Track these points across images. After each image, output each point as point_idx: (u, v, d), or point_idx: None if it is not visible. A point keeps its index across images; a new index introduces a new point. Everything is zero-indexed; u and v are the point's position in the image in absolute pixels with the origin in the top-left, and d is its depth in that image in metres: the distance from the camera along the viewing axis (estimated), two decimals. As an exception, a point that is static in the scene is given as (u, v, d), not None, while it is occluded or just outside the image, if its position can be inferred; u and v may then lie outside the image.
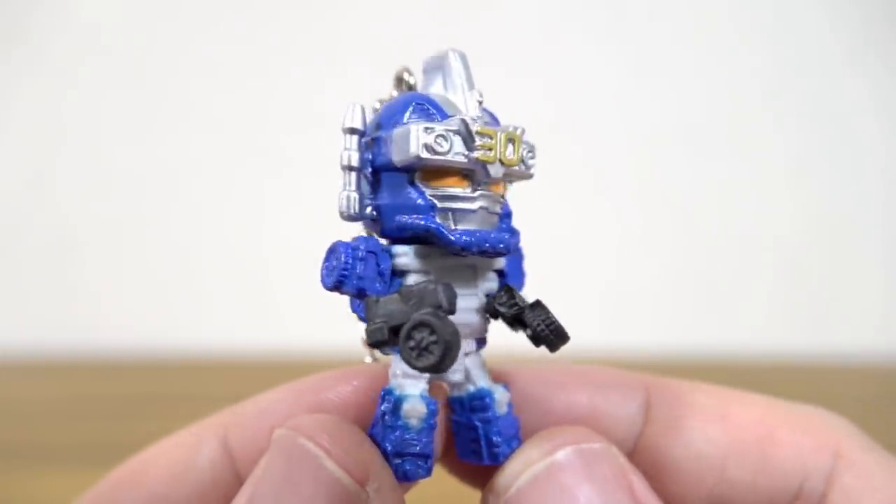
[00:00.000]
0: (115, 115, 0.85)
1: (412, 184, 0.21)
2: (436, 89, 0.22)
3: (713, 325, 0.85)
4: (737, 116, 0.86)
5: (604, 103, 0.85)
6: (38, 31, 0.84)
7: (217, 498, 0.25)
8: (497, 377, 0.24)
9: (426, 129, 0.21)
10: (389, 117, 0.22)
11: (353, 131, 0.22)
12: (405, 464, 0.21)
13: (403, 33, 0.84)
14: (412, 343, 0.20)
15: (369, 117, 0.23)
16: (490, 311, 0.22)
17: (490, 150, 0.21)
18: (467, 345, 0.22)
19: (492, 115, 0.23)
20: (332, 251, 0.22)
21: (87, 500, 0.25)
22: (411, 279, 0.22)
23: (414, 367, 0.19)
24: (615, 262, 0.86)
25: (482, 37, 0.84)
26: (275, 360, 0.76)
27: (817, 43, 0.86)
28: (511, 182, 0.22)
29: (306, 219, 0.84)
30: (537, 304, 0.22)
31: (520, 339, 0.23)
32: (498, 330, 0.24)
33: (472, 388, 0.23)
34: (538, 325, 0.21)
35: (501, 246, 0.21)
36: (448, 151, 0.21)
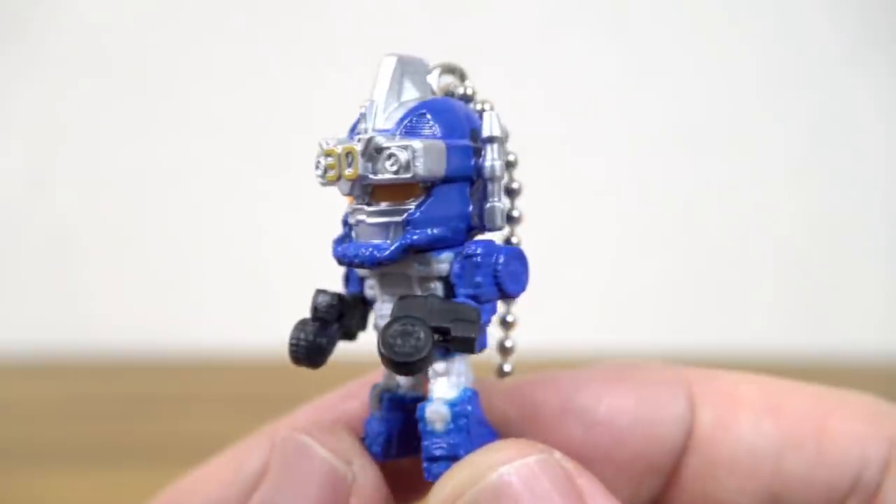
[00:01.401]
0: (115, 115, 0.85)
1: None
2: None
3: (713, 325, 0.85)
4: (737, 116, 0.86)
5: (604, 103, 0.85)
6: (38, 31, 0.84)
7: None
8: (521, 390, 0.24)
9: (315, 154, 0.22)
10: None
11: None
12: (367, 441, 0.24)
13: (404, 34, 0.84)
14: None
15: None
16: None
17: (332, 168, 0.21)
18: None
19: (402, 119, 0.21)
20: None
21: None
22: (366, 285, 0.24)
23: None
24: (615, 262, 0.86)
25: (482, 37, 0.84)
26: (275, 360, 0.76)
27: (817, 43, 0.86)
28: (424, 184, 0.21)
29: (306, 219, 0.84)
30: (386, 326, 0.20)
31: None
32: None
33: (415, 396, 0.23)
34: (378, 345, 0.21)
35: (357, 260, 0.21)
36: (322, 175, 0.22)
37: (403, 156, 0.20)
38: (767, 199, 0.87)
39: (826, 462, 0.23)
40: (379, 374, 0.25)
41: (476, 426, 0.22)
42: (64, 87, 0.85)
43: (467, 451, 0.21)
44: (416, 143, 0.20)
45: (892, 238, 0.87)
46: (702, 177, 0.86)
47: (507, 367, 0.24)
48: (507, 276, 0.22)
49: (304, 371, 0.26)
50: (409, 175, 0.21)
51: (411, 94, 0.22)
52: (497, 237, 0.23)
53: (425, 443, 0.21)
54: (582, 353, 0.78)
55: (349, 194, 0.21)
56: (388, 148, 0.21)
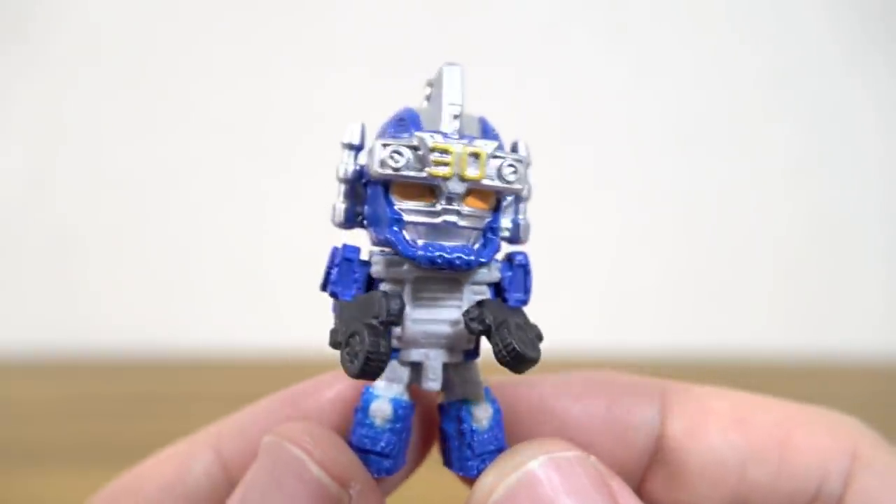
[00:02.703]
0: (115, 115, 0.85)
1: (386, 196, 0.22)
2: (434, 102, 0.23)
3: (713, 325, 0.85)
4: (737, 116, 0.86)
5: (604, 103, 0.86)
6: (38, 31, 0.84)
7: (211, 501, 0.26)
8: (502, 389, 0.25)
9: (384, 144, 0.21)
10: (381, 132, 0.23)
11: (349, 146, 0.23)
12: (367, 459, 0.22)
13: (404, 34, 0.84)
14: (347, 350, 0.21)
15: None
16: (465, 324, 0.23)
17: (446, 165, 0.21)
18: (446, 356, 0.23)
19: (485, 128, 0.23)
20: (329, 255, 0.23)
21: None
22: (384, 287, 0.23)
23: (347, 373, 0.21)
24: (615, 262, 0.86)
25: (483, 37, 0.84)
26: (275, 360, 0.76)
27: (817, 43, 0.86)
28: (504, 196, 0.23)
29: (306, 219, 0.84)
30: (502, 324, 0.21)
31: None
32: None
33: (454, 399, 0.23)
34: (497, 347, 0.21)
35: (457, 262, 0.21)
36: (402, 167, 0.21)
37: (521, 169, 0.22)
38: (767, 199, 0.87)
39: (789, 473, 0.24)
40: (337, 374, 0.25)
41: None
42: (64, 87, 0.85)
43: (504, 443, 0.23)
44: (525, 159, 0.23)
45: (891, 238, 0.87)
46: (702, 177, 0.86)
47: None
48: (532, 285, 0.24)
49: (303, 371, 0.27)
50: (519, 186, 0.22)
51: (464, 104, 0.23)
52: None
53: (473, 441, 0.23)
54: (582, 354, 0.78)
55: (453, 194, 0.22)
56: (505, 159, 0.22)
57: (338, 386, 0.25)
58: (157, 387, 0.73)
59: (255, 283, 0.85)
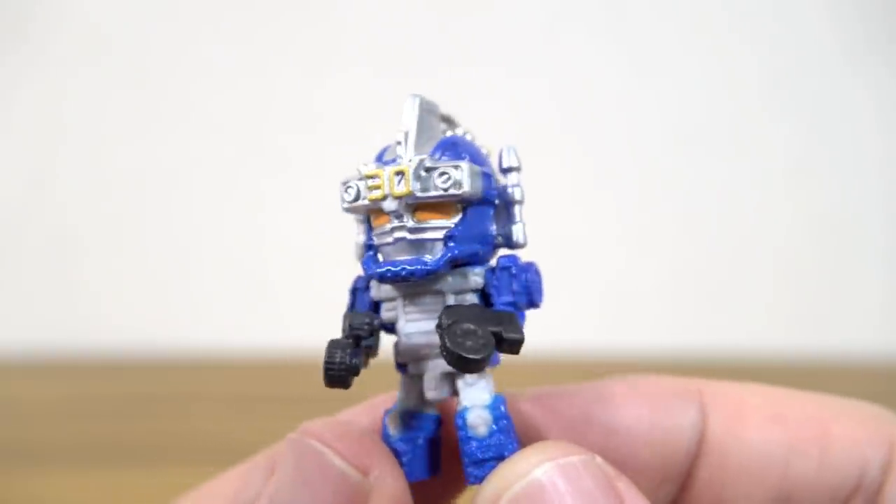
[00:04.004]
0: (115, 115, 0.85)
1: (368, 227, 0.24)
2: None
3: (713, 325, 0.85)
4: (737, 116, 0.86)
5: (604, 103, 0.86)
6: (39, 31, 0.84)
7: None
8: (542, 400, 0.25)
9: (342, 182, 0.24)
10: None
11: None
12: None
13: (404, 33, 0.84)
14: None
15: None
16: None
17: (378, 188, 0.23)
18: (445, 365, 0.23)
19: (441, 146, 0.24)
20: None
21: None
22: (383, 308, 0.25)
23: None
24: (615, 262, 0.86)
25: (483, 37, 0.84)
26: (275, 360, 0.76)
27: (817, 43, 0.86)
28: (462, 203, 0.23)
29: (306, 218, 0.85)
30: (449, 326, 0.22)
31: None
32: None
33: (459, 408, 0.24)
34: (440, 349, 0.22)
35: (403, 272, 0.23)
36: (354, 198, 0.23)
37: (455, 174, 0.23)
38: (767, 199, 0.87)
39: (830, 465, 0.24)
40: (388, 398, 0.26)
41: (514, 429, 0.23)
42: (64, 87, 0.85)
43: (511, 452, 0.22)
44: (464, 164, 0.23)
45: (891, 238, 0.87)
46: (702, 177, 0.86)
47: None
48: (534, 287, 0.24)
49: (303, 372, 0.27)
50: (458, 192, 0.23)
51: (433, 131, 0.25)
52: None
53: (468, 448, 0.23)
54: (582, 354, 0.78)
55: (391, 212, 0.23)
56: (438, 168, 0.23)
57: (382, 409, 0.26)
58: (157, 387, 0.73)
59: (255, 283, 0.85)
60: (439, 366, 0.24)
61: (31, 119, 0.85)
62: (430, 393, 0.24)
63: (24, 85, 0.85)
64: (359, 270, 0.25)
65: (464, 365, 0.21)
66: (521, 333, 0.22)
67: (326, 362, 0.23)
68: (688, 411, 0.25)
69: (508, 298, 0.24)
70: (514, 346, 0.22)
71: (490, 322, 0.22)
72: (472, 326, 0.22)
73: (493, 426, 0.23)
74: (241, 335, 0.82)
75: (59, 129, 0.85)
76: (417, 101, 0.24)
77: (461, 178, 0.23)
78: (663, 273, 0.86)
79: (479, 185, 0.23)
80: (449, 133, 0.26)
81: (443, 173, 0.23)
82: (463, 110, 0.27)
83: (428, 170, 0.23)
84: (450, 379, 0.24)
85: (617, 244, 0.86)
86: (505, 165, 0.25)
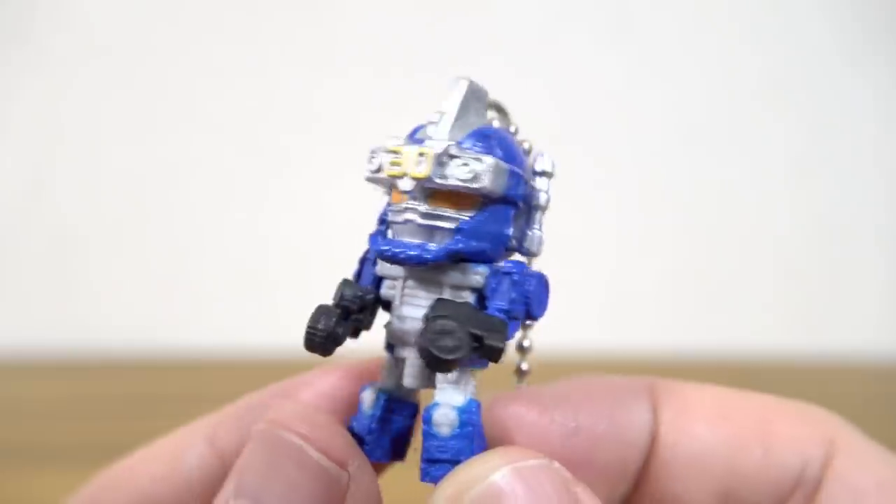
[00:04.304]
0: (115, 115, 0.85)
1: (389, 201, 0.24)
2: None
3: (713, 325, 0.85)
4: (737, 116, 0.86)
5: (604, 103, 0.86)
6: (38, 31, 0.84)
7: (206, 497, 0.26)
8: (508, 405, 0.25)
9: (370, 149, 0.23)
10: None
11: None
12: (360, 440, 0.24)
13: (403, 33, 0.84)
14: None
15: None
16: None
17: (398, 165, 0.22)
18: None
19: (474, 135, 0.23)
20: None
21: None
22: (385, 284, 0.24)
23: None
24: (615, 262, 0.86)
25: (483, 37, 0.84)
26: (275, 360, 0.76)
27: (817, 43, 0.86)
28: (482, 197, 0.23)
29: (306, 218, 0.85)
30: (428, 321, 0.22)
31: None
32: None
33: (432, 402, 0.23)
34: (419, 337, 0.21)
35: (401, 256, 0.22)
36: (375, 170, 0.23)
37: (477, 167, 0.22)
38: (767, 199, 0.87)
39: (772, 461, 0.25)
40: (371, 373, 0.25)
41: (479, 437, 0.22)
42: (64, 88, 0.85)
43: (468, 458, 0.22)
44: (489, 159, 0.22)
45: (891, 238, 0.87)
46: (702, 176, 0.86)
47: (524, 366, 0.26)
48: (535, 299, 0.23)
49: (304, 371, 0.26)
50: (476, 186, 0.22)
51: (474, 118, 0.24)
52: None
53: (427, 444, 0.22)
54: (582, 354, 0.78)
55: (407, 192, 0.22)
56: (461, 157, 0.22)
57: (331, 378, 0.26)
58: (157, 387, 0.73)
59: (255, 283, 0.85)
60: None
61: (31, 119, 0.85)
62: (408, 380, 0.24)
63: (24, 85, 0.85)
64: (335, 237, 0.25)
65: (433, 363, 0.21)
66: (504, 343, 0.22)
67: (309, 326, 0.22)
68: (642, 409, 0.26)
69: (503, 305, 0.23)
70: (494, 353, 0.22)
71: (475, 324, 0.22)
72: (452, 325, 0.21)
73: (457, 429, 0.22)
74: (241, 335, 0.82)
75: (59, 129, 0.85)
76: (464, 84, 0.23)
77: (482, 171, 0.22)
78: (663, 273, 0.86)
79: (503, 182, 0.22)
80: (495, 123, 0.25)
81: (465, 164, 0.22)
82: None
83: (451, 157, 0.22)
84: (431, 371, 0.23)
85: (616, 244, 0.86)
86: (538, 169, 0.24)
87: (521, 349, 0.26)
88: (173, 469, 0.26)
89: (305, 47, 0.84)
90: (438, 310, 0.22)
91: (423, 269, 0.23)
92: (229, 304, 0.85)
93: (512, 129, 0.25)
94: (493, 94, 0.25)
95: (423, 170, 0.22)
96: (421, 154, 0.22)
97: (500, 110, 0.25)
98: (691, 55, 0.86)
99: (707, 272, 0.87)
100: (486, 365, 0.23)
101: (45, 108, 0.85)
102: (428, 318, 0.22)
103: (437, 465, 0.22)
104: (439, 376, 0.23)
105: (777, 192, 0.87)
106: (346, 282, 0.24)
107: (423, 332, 0.21)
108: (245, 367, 0.77)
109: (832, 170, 0.87)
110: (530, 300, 0.23)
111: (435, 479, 0.22)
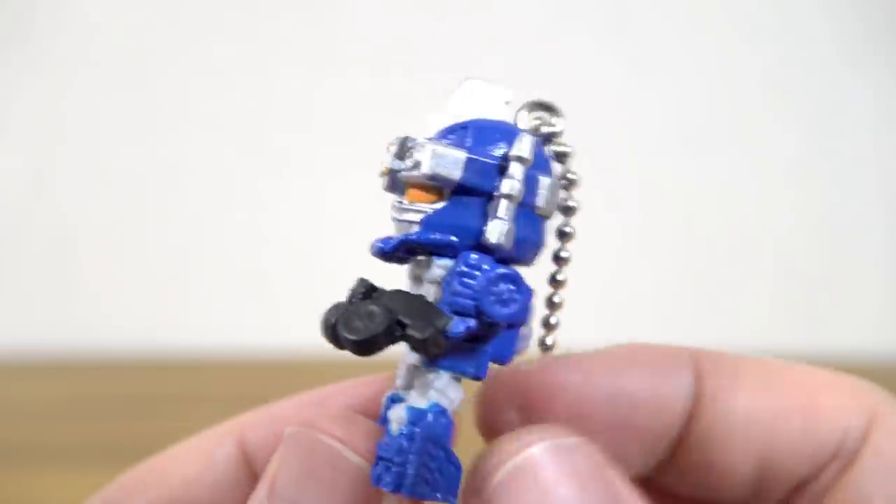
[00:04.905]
0: (115, 115, 0.85)
1: None
2: None
3: (713, 325, 0.85)
4: (737, 116, 0.86)
5: (604, 103, 0.85)
6: (38, 31, 0.84)
7: (235, 500, 0.26)
8: (545, 371, 0.25)
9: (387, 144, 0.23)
10: None
11: None
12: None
13: (403, 33, 0.84)
14: None
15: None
16: None
17: (383, 162, 0.23)
18: (410, 355, 0.22)
19: (459, 129, 0.23)
20: None
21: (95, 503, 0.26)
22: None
23: None
24: (614, 262, 0.86)
25: (482, 37, 0.84)
26: (275, 360, 0.76)
27: (817, 43, 0.86)
28: (433, 183, 0.22)
29: (306, 218, 0.85)
30: (355, 303, 0.22)
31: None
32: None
33: None
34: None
35: (372, 250, 0.23)
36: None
37: (418, 155, 0.22)
38: (767, 199, 0.87)
39: (811, 432, 0.25)
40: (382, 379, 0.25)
41: (427, 443, 0.21)
42: (64, 88, 0.85)
43: (403, 462, 0.20)
44: (430, 145, 0.22)
45: (891, 238, 0.87)
46: (702, 176, 0.86)
47: (549, 341, 0.26)
48: (487, 296, 0.21)
49: (303, 372, 0.27)
50: (417, 173, 0.22)
51: (493, 114, 0.24)
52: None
53: (379, 441, 0.21)
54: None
55: (387, 189, 0.23)
56: (413, 148, 0.22)
57: (365, 391, 0.26)
58: (157, 387, 0.73)
59: (255, 283, 0.85)
60: (411, 356, 0.22)
61: (31, 119, 0.85)
62: (398, 381, 0.23)
63: (24, 85, 0.85)
64: (334, 237, 0.25)
65: (334, 339, 0.21)
66: (422, 334, 0.20)
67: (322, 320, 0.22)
68: (684, 377, 0.26)
69: (447, 298, 0.21)
70: (414, 343, 0.20)
71: (406, 312, 0.21)
72: (375, 310, 0.21)
73: (403, 430, 0.21)
74: (241, 335, 0.82)
75: (59, 129, 0.85)
76: (468, 84, 0.23)
77: (422, 159, 0.21)
78: (663, 272, 0.86)
79: (455, 171, 0.21)
80: (526, 121, 0.25)
81: (411, 154, 0.22)
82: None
83: (407, 148, 0.22)
84: (411, 371, 0.22)
85: (616, 243, 0.86)
86: (511, 153, 0.22)
87: (548, 325, 0.26)
88: (202, 471, 0.26)
89: (305, 47, 0.84)
90: (380, 296, 0.22)
91: (414, 265, 0.23)
92: (229, 304, 0.85)
93: (550, 130, 0.25)
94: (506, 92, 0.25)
95: (387, 163, 0.23)
96: (388, 147, 0.23)
97: (550, 109, 0.25)
98: (691, 55, 0.86)
99: (707, 272, 0.87)
100: (471, 373, 0.22)
101: (45, 108, 0.85)
102: (354, 302, 0.22)
103: (379, 462, 0.21)
104: (418, 379, 0.22)
105: (777, 192, 0.87)
106: (360, 279, 0.23)
107: (343, 312, 0.21)
108: (245, 367, 0.77)
109: (832, 170, 0.87)
110: (479, 296, 0.21)
111: (373, 478, 0.21)
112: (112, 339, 0.83)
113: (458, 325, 0.21)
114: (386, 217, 0.23)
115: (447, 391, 0.22)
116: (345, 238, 0.23)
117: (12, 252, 0.86)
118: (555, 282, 0.26)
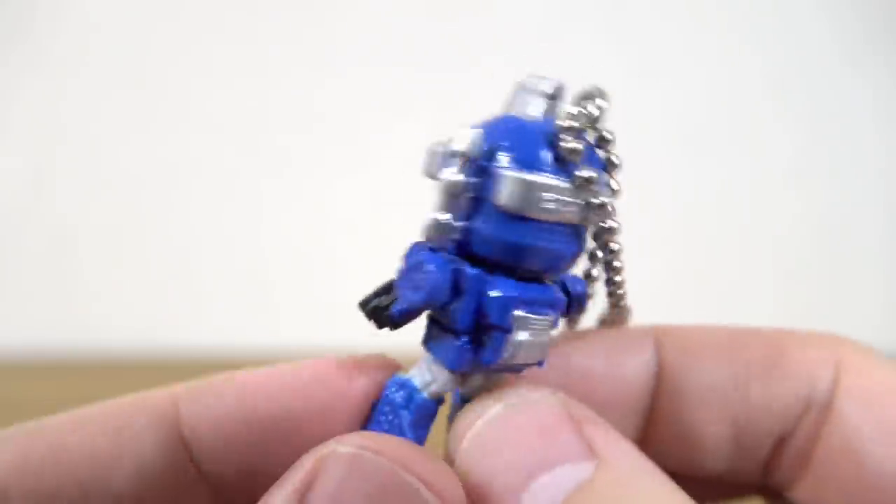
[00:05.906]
0: (115, 115, 0.85)
1: None
2: None
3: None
4: (737, 116, 0.86)
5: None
6: (38, 31, 0.84)
7: (166, 493, 0.22)
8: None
9: None
10: None
11: None
12: None
13: (404, 33, 0.84)
14: None
15: None
16: None
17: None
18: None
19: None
20: None
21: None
22: None
23: None
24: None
25: (483, 36, 0.84)
26: (275, 360, 0.76)
27: (817, 43, 0.86)
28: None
29: (307, 218, 0.85)
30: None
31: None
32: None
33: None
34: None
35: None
36: None
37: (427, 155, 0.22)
38: (767, 198, 0.87)
39: (781, 385, 0.25)
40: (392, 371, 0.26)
41: (391, 409, 0.23)
42: (64, 87, 0.85)
43: (365, 426, 0.23)
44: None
45: (891, 238, 0.87)
46: (701, 175, 0.86)
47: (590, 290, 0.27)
48: (405, 282, 0.21)
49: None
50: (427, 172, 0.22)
51: (531, 112, 0.24)
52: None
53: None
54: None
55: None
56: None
57: (372, 374, 0.23)
58: (157, 387, 0.73)
59: (255, 283, 0.85)
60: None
61: (31, 119, 0.85)
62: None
63: (24, 85, 0.85)
64: (357, 265, 0.25)
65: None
66: (365, 308, 0.22)
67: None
68: (643, 348, 0.27)
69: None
70: (365, 314, 0.22)
71: (377, 290, 0.23)
72: (381, 285, 0.22)
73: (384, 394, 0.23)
74: (242, 335, 0.82)
75: (59, 129, 0.85)
76: (517, 83, 0.24)
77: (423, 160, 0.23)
78: (662, 272, 0.86)
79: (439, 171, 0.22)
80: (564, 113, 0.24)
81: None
82: (464, 110, 0.27)
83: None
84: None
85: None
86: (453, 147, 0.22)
87: (588, 277, 0.27)
88: (122, 452, 0.21)
89: (306, 47, 0.84)
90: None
91: None
92: (230, 305, 0.85)
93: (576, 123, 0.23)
94: (496, 95, 0.25)
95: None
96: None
97: (554, 98, 0.24)
98: (691, 55, 0.86)
99: (706, 271, 0.87)
100: (445, 362, 0.22)
101: (44, 107, 0.85)
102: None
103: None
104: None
105: (777, 192, 0.87)
106: None
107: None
108: (245, 367, 0.77)
109: (832, 170, 0.87)
110: (399, 282, 0.22)
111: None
112: (112, 339, 0.83)
113: (396, 306, 0.22)
114: (386, 217, 0.23)
115: (431, 368, 0.23)
116: (346, 238, 0.23)
117: (12, 252, 0.86)
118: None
